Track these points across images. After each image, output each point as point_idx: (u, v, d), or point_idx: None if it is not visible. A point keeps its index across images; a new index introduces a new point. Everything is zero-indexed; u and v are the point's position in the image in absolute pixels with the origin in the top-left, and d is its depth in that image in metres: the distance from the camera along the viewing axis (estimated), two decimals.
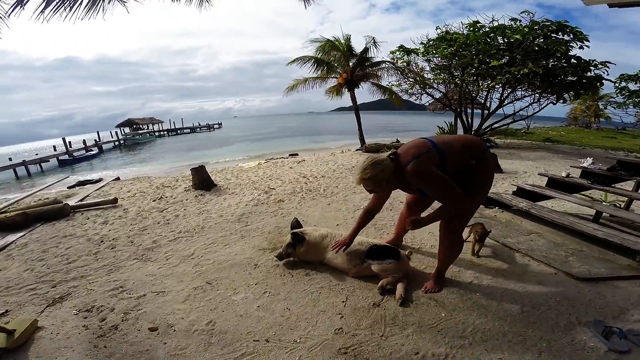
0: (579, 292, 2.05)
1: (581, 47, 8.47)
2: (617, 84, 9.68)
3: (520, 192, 3.61)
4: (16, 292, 2.32)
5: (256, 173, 7.04)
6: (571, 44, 8.47)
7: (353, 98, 12.38)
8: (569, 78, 8.73)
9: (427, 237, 2.94)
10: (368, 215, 2.33)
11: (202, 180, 5.41)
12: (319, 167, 7.36)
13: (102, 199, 4.58)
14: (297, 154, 12.53)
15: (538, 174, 4.16)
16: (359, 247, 2.36)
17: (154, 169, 13.56)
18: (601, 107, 23.29)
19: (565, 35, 8.55)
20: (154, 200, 4.82)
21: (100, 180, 7.46)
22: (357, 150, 10.53)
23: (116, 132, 31.41)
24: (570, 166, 4.23)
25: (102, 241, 3.28)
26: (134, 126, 38.01)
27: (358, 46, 12.06)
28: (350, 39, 11.88)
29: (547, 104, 10.20)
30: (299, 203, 4.43)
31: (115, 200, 4.56)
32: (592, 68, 8.51)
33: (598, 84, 8.71)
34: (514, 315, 1.87)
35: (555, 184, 3.48)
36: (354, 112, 12.83)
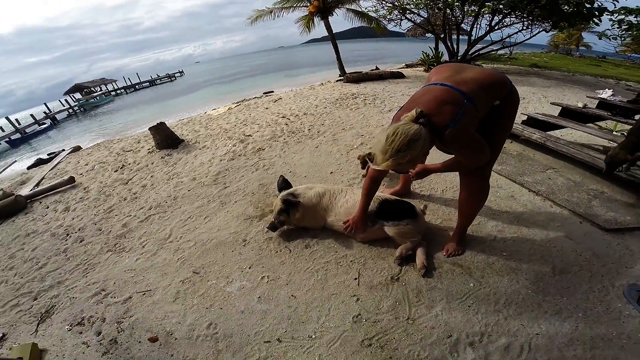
0: (608, 247, 1.87)
1: None
2: (614, 17, 9.15)
3: (532, 122, 3.30)
4: (2, 312, 2.02)
5: (227, 119, 6.11)
6: None
7: (328, 27, 11.04)
8: (568, 8, 7.93)
9: (437, 180, 2.64)
10: (375, 183, 1.83)
11: (166, 138, 4.66)
12: (298, 104, 6.47)
13: (58, 181, 3.90)
14: (272, 92, 11.42)
15: (550, 103, 3.81)
16: None
17: (116, 130, 12.31)
18: (583, 36, 23.31)
19: None
20: (115, 171, 4.15)
21: (53, 156, 6.50)
22: (337, 80, 9.68)
23: (66, 100, 28.02)
24: (587, 96, 3.89)
25: (67, 234, 2.79)
26: (85, 90, 34.05)
27: None
28: None
29: (540, 32, 9.51)
30: (282, 149, 3.88)
31: (72, 180, 3.90)
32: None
33: (599, 15, 8.05)
34: (547, 279, 1.68)
35: (570, 113, 3.17)
36: (327, 42, 11.60)
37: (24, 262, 2.50)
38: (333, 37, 11.30)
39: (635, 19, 9.00)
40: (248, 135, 4.65)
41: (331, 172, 3.07)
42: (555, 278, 1.69)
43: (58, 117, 23.72)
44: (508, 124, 1.62)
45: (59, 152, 6.73)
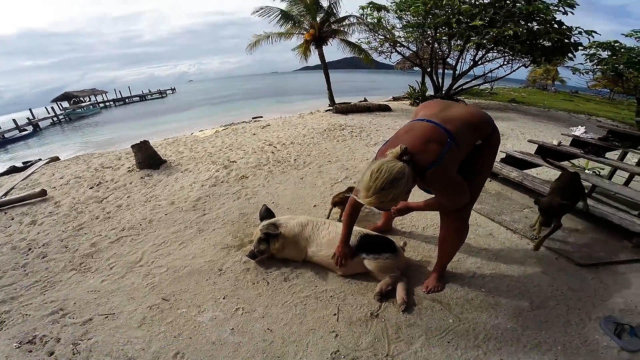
0: (583, 282, 1.93)
1: (565, 13, 8.26)
2: (588, 51, 10.07)
3: (510, 160, 3.43)
4: None
5: (213, 143, 6.07)
6: (555, 9, 8.23)
7: (321, 56, 11.48)
8: (547, 43, 8.63)
9: (418, 217, 2.66)
10: (355, 210, 1.82)
11: (147, 158, 4.53)
12: (286, 132, 6.51)
13: (29, 192, 3.73)
14: (261, 117, 11.56)
15: (527, 141, 3.99)
16: None
17: (99, 143, 12.03)
18: (559, 71, 25.46)
19: None
20: (90, 188, 3.99)
21: (28, 165, 6.25)
22: (327, 110, 9.92)
23: (52, 108, 27.40)
24: (562, 134, 4.09)
25: (30, 249, 2.62)
26: (73, 99, 33.66)
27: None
28: None
29: (519, 67, 10.28)
30: (266, 179, 3.83)
31: (43, 193, 3.73)
32: (572, 34, 8.43)
33: (574, 50, 8.82)
34: (525, 314, 1.69)
35: (545, 151, 3.34)
36: (320, 71, 12.01)
37: None
38: (325, 67, 11.72)
39: (606, 53, 9.83)
40: (233, 161, 4.60)
41: (314, 206, 3.04)
42: (534, 312, 1.70)
43: (41, 124, 22.97)
44: (488, 165, 1.65)
45: (35, 162, 6.46)
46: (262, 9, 10.52)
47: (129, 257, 2.39)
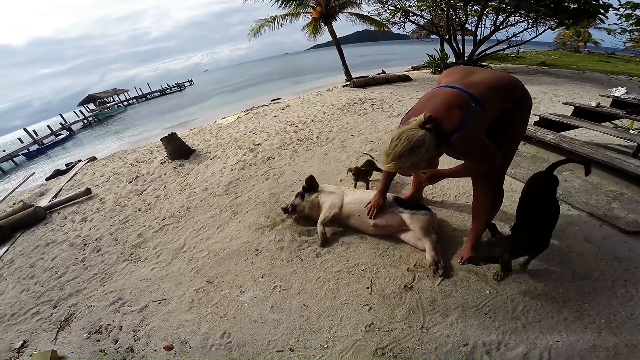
0: (630, 250, 1.81)
1: None
2: (621, 11, 9.07)
3: (544, 123, 3.23)
4: (23, 319, 2.09)
5: (237, 128, 6.14)
6: None
7: (332, 32, 11.13)
8: (573, 5, 7.85)
9: (450, 186, 2.60)
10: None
11: (177, 149, 4.75)
12: (306, 111, 6.49)
13: (75, 192, 4.01)
14: (279, 99, 11.51)
15: (563, 103, 3.72)
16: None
17: (130, 140, 12.55)
18: (590, 33, 23.02)
19: None
20: (129, 182, 4.24)
21: (70, 167, 6.66)
22: (344, 86, 9.70)
23: (80, 111, 29.03)
24: (600, 95, 3.78)
25: (85, 244, 2.87)
26: (98, 101, 35.09)
27: None
28: None
29: (545, 30, 9.41)
30: (292, 158, 3.89)
31: (88, 191, 4.01)
32: None
33: (604, 12, 7.96)
34: (566, 285, 1.63)
35: (583, 113, 3.09)
36: (332, 47, 11.67)
37: (44, 271, 2.57)
38: (337, 43, 11.36)
39: None
40: (258, 144, 4.70)
41: (341, 180, 3.07)
42: (576, 284, 1.64)
43: (74, 127, 24.44)
44: (520, 129, 1.60)
45: (76, 163, 6.92)
46: None
47: (172, 244, 2.55)
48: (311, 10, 10.66)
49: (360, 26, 11.74)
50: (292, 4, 10.56)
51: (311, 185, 2.35)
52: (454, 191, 2.54)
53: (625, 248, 1.83)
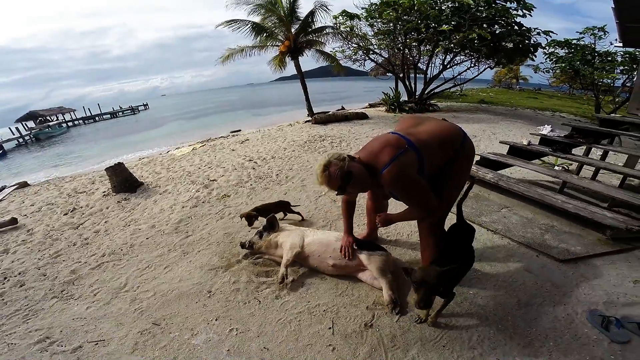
0: (565, 277, 2.03)
1: (524, 16, 8.91)
2: (547, 50, 10.92)
3: (484, 162, 3.58)
4: None
5: (191, 161, 5.84)
6: (515, 12, 8.87)
7: (297, 66, 11.54)
8: (510, 45, 9.27)
9: (402, 226, 2.69)
10: (350, 205, 2.07)
11: (124, 181, 4.33)
12: (266, 146, 6.42)
13: None
14: (239, 131, 11.41)
15: (500, 142, 4.20)
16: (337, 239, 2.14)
17: (70, 167, 11.42)
18: (521, 70, 27.00)
19: (509, 2, 8.92)
20: (65, 214, 3.79)
21: None
22: (306, 121, 9.96)
23: (17, 128, 25.88)
24: (530, 133, 4.33)
25: (5, 278, 2.47)
26: (39, 119, 32.02)
27: (302, 10, 10.89)
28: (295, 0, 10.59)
29: (486, 68, 10.92)
30: (249, 196, 3.75)
31: (14, 221, 3.51)
32: (532, 35, 9.14)
33: (533, 50, 9.51)
34: (514, 312, 1.76)
35: (516, 151, 3.51)
36: (296, 80, 12.10)
37: None
38: (302, 77, 11.75)
39: (563, 51, 10.82)
40: (213, 180, 4.48)
41: (300, 220, 3.02)
42: (522, 311, 1.77)
43: (6, 146, 21.39)
44: (460, 177, 1.78)
45: (2, 189, 6.07)
46: (232, 21, 10.31)
47: (112, 283, 2.29)
48: (279, 44, 11.03)
49: (323, 62, 12.32)
50: (262, 36, 10.86)
51: (272, 225, 2.35)
52: (407, 230, 2.65)
53: (560, 275, 2.04)
